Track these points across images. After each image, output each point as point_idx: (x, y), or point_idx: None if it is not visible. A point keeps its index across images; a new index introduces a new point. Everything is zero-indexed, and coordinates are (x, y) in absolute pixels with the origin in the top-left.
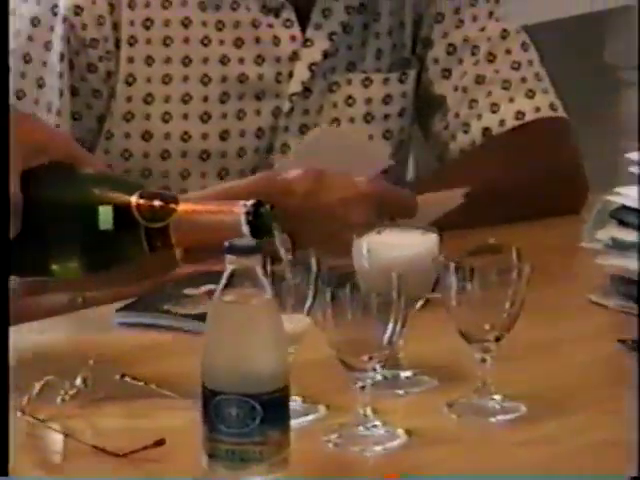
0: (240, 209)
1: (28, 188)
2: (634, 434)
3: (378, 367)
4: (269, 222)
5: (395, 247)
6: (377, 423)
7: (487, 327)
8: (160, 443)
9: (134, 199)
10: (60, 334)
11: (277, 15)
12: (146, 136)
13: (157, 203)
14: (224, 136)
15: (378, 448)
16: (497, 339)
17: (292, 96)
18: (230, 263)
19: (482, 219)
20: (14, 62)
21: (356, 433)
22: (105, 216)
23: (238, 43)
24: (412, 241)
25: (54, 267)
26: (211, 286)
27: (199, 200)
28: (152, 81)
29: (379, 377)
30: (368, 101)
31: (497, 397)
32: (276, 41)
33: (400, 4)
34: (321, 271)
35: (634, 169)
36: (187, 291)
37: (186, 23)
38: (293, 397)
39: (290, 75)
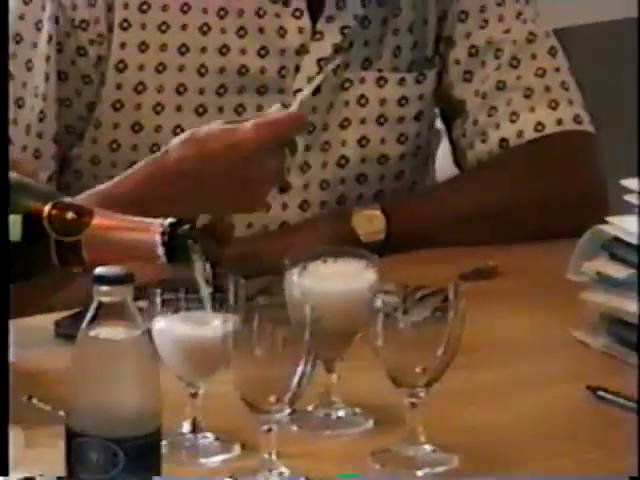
0: (156, 228)
1: None
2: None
3: (287, 409)
4: (185, 245)
5: (328, 278)
6: (283, 470)
7: (418, 370)
8: None
9: (47, 209)
10: None
11: (286, 4)
12: (136, 127)
13: (70, 215)
14: None
15: None
16: (428, 384)
17: (297, 92)
18: (98, 294)
19: (489, 237)
20: None
21: None
22: (14, 226)
23: (240, 32)
24: (348, 273)
25: None
26: (170, 295)
27: (116, 216)
28: (145, 69)
29: (309, 415)
30: (382, 102)
31: (427, 447)
32: (282, 32)
33: None
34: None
35: (630, 198)
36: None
37: (185, 9)
38: (205, 434)
39: (296, 70)
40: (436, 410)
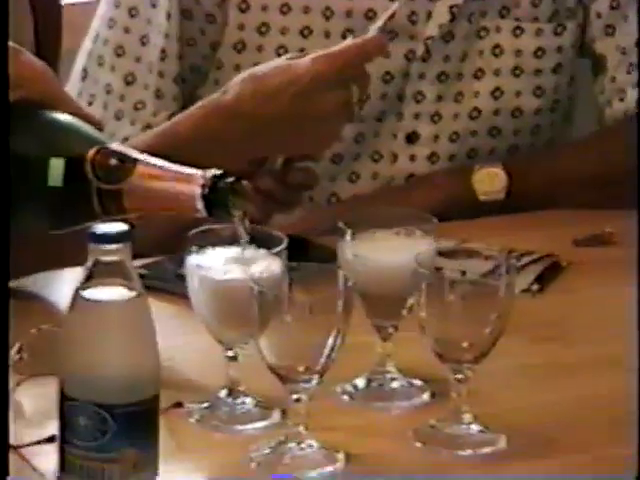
0: (198, 180)
1: None
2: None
3: (316, 379)
4: (226, 199)
5: (380, 244)
6: (313, 443)
7: (465, 345)
8: (51, 440)
9: (90, 154)
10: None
11: None
12: None
13: (113, 162)
14: None
15: (310, 474)
16: (475, 360)
17: (427, 40)
18: (94, 253)
19: (615, 201)
20: None
21: (287, 453)
22: (55, 170)
23: None
24: (401, 240)
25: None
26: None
27: (159, 164)
28: (268, 10)
29: (361, 385)
30: (517, 53)
31: (474, 426)
32: None
33: None
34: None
35: None
36: None
37: None
38: (245, 399)
39: (428, 16)
40: (496, 387)
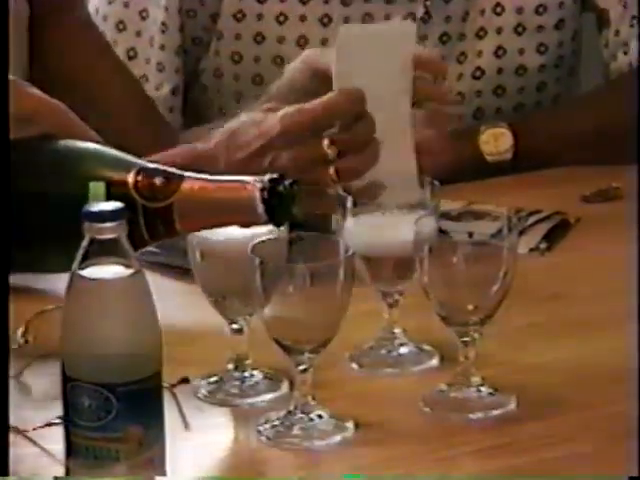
0: (255, 184)
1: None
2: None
3: (322, 349)
4: (288, 202)
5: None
6: (322, 413)
7: (470, 308)
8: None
9: (131, 175)
10: None
11: None
12: (258, 38)
13: (159, 180)
14: None
15: (319, 444)
16: (482, 322)
17: (427, 1)
18: (90, 231)
19: (620, 156)
20: None
21: (296, 424)
22: (97, 193)
23: None
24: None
25: (45, 262)
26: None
27: (208, 177)
28: None
29: (369, 353)
30: (519, 10)
31: (484, 389)
32: None
33: None
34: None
35: None
36: None
37: None
38: (252, 372)
39: None
40: (505, 348)
